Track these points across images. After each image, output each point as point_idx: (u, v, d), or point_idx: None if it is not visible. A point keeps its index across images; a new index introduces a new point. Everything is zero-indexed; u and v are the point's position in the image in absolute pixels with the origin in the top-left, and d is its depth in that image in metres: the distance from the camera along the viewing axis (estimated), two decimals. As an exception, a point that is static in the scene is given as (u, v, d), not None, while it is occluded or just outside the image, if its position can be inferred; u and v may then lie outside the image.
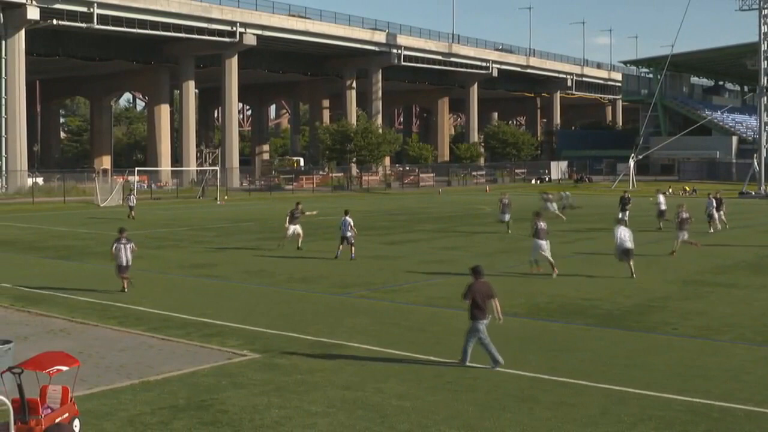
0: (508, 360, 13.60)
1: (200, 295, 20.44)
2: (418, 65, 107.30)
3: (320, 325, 16.47)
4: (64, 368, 9.71)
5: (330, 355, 14.00)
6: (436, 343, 14.92)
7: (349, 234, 27.06)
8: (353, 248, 27.12)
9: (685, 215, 27.97)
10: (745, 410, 11.09)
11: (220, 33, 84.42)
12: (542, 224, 23.68)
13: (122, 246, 20.78)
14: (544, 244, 23.35)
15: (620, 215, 34.07)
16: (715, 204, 36.14)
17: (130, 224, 42.11)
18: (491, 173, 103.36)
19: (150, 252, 29.73)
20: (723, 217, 36.66)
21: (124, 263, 20.66)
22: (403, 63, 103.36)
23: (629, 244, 22.81)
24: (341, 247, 27.20)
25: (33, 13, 70.32)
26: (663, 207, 37.20)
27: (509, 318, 17.21)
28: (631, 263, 22.91)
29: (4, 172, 71.28)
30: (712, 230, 35.27)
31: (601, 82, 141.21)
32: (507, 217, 36.11)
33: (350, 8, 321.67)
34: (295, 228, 29.64)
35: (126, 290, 20.49)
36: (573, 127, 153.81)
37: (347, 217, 27.34)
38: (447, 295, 20.11)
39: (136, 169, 74.49)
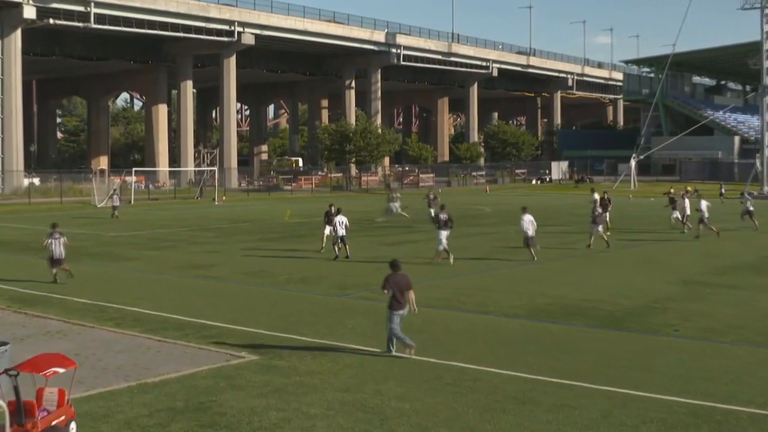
0: (509, 362, 13.60)
1: (198, 296, 20.42)
2: (418, 65, 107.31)
3: (319, 327, 16.46)
4: (61, 370, 9.68)
5: (329, 357, 13.99)
6: (435, 345, 14.90)
7: (342, 233, 27.04)
8: (347, 247, 27.26)
9: (599, 210, 30.38)
10: (748, 412, 11.07)
11: (219, 32, 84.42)
12: (443, 216, 26.41)
13: (54, 240, 22.11)
14: (444, 234, 25.97)
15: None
16: (748, 199, 37.24)
17: (114, 225, 42.13)
18: (491, 173, 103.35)
19: (147, 253, 29.72)
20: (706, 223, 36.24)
21: (56, 256, 22.03)
22: (402, 62, 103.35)
23: (531, 233, 26.39)
24: (337, 249, 27.22)
25: (29, 13, 70.28)
26: (688, 211, 36.39)
27: (510, 319, 17.23)
28: (533, 250, 26.44)
29: (0, 173, 71.25)
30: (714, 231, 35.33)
31: (602, 81, 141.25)
32: (434, 212, 38.00)
33: (349, 7, 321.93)
34: (332, 229, 29.63)
35: (58, 281, 21.64)
36: (574, 127, 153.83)
37: (340, 216, 27.40)
38: (446, 297, 20.10)
39: (134, 169, 74.54)
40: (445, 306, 18.88)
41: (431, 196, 38.09)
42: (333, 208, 28.98)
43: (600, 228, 30.31)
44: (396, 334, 14.11)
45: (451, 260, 25.54)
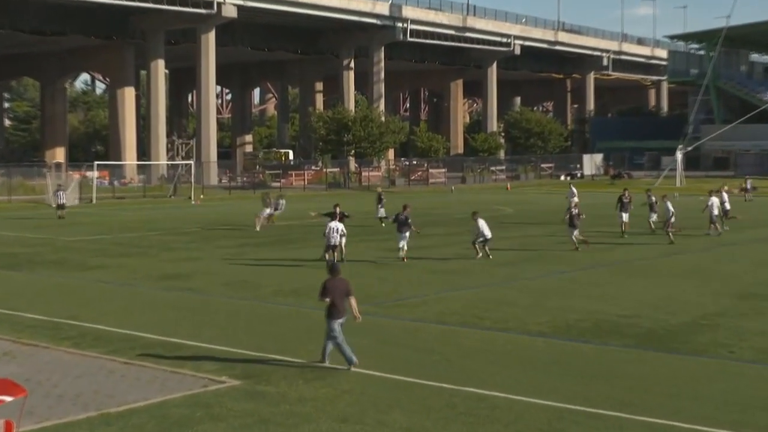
0: (533, 387, 13.60)
1: (172, 310, 20.43)
2: (427, 41, 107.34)
3: (313, 346, 16.45)
4: (8, 398, 9.65)
5: (324, 381, 14.00)
6: (447, 367, 14.90)
7: (333, 242, 27.30)
8: (343, 251, 27.90)
9: (575, 211, 32.16)
10: (811, 447, 11.06)
11: (195, 3, 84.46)
12: (402, 216, 29.46)
13: None
14: (402, 236, 28.92)
15: (622, 216, 36.31)
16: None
17: (73, 228, 42.12)
18: (513, 168, 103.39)
19: (112, 261, 29.74)
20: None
21: None
22: (409, 39, 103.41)
23: (488, 233, 28.98)
24: (327, 255, 27.39)
25: (-25, -20, 70.41)
26: (716, 210, 37.51)
27: (533, 338, 17.23)
28: (487, 248, 29.09)
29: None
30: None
31: (642, 60, 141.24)
32: (382, 211, 40.83)
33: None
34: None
35: None
36: (609, 114, 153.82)
37: (334, 223, 27.57)
38: (461, 311, 20.10)
39: (96, 163, 74.52)
40: (458, 322, 18.88)
41: (380, 192, 41.75)
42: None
43: (576, 232, 31.88)
44: (339, 344, 14.75)
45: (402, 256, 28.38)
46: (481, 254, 29.10)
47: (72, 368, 14.88)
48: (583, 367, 15.03)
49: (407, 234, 29.06)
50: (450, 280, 25.08)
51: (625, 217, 36.56)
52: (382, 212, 41.24)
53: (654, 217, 37.90)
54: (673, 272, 26.71)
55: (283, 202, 45.03)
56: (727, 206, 37.61)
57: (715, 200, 37.95)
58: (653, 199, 38.37)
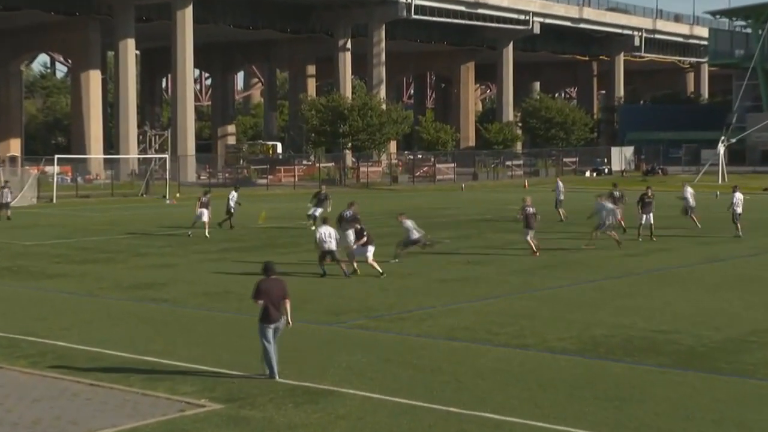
0: (555, 412, 13.56)
1: (144, 324, 20.41)
2: (434, 19, 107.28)
3: (304, 365, 16.43)
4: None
5: (317, 406, 13.97)
6: (457, 389, 14.89)
7: (329, 247, 27.13)
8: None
9: (530, 210, 32.34)
10: None
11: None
12: (348, 213, 30.37)
13: None
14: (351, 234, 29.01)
15: (643, 217, 36.57)
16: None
17: (30, 231, 42.09)
18: (531, 163, 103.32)
19: (75, 268, 29.71)
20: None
21: None
22: (414, 16, 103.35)
23: (416, 235, 29.54)
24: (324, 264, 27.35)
25: None
26: (739, 209, 38.12)
27: (556, 356, 17.20)
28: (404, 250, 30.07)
29: None
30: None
31: (680, 40, 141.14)
32: (318, 211, 40.33)
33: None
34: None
35: None
36: (641, 102, 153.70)
37: (326, 227, 27.51)
38: (471, 325, 20.08)
39: (57, 156, 74.39)
40: (470, 338, 18.87)
41: (322, 192, 42.49)
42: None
43: (531, 234, 32.31)
44: (266, 350, 15.40)
45: (347, 271, 27.23)
46: (397, 260, 29.57)
47: (29, 391, 14.85)
48: (612, 389, 15.01)
49: (350, 232, 28.95)
50: (460, 290, 25.06)
51: (645, 219, 36.52)
52: (316, 211, 40.79)
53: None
54: (716, 281, 26.69)
55: (235, 195, 43.78)
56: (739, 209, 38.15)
57: (739, 197, 38.06)
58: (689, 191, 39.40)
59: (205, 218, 38.95)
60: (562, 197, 45.91)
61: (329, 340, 18.82)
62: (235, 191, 44.47)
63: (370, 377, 15.65)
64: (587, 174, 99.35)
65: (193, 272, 28.58)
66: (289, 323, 15.82)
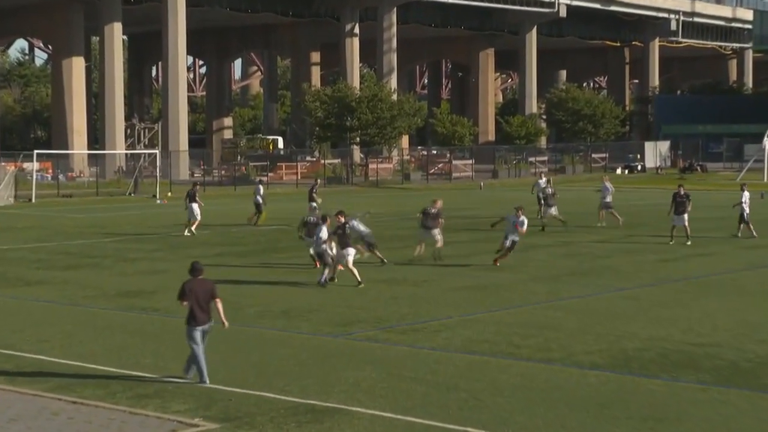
0: (584, 433, 13.53)
1: (131, 336, 20.41)
2: (451, 1, 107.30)
3: (308, 381, 16.43)
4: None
5: (322, 425, 13.95)
6: (476, 408, 14.87)
7: (324, 248, 27.14)
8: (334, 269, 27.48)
9: (433, 211, 32.88)
10: None
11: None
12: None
13: None
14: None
15: (675, 219, 36.59)
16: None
17: (7, 234, 42.09)
18: (556, 159, 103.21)
19: (57, 274, 29.74)
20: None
21: None
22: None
23: (364, 230, 29.44)
24: (324, 268, 27.33)
25: None
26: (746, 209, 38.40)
27: (584, 371, 17.17)
28: (376, 252, 30.16)
29: None
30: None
31: (721, 23, 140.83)
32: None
33: None
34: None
35: None
36: (679, 92, 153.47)
37: (324, 226, 27.49)
38: (491, 338, 20.07)
39: (36, 152, 74.49)
40: (490, 351, 18.86)
41: (315, 190, 43.80)
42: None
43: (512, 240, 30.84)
44: (196, 355, 16.14)
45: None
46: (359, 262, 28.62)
47: (5, 409, 14.84)
48: (646, 408, 14.98)
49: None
50: (479, 298, 25.05)
51: (678, 220, 36.51)
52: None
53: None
54: (762, 289, 26.65)
55: (261, 189, 46.02)
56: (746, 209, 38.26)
57: (748, 195, 38.17)
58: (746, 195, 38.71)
59: (197, 215, 40.19)
60: (609, 199, 43.87)
61: (335, 353, 18.81)
62: (261, 185, 47.18)
63: (380, 394, 15.63)
64: (618, 171, 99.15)
65: (184, 279, 28.55)
66: (224, 324, 16.60)
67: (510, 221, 30.70)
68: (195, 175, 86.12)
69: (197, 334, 16.25)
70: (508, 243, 30.33)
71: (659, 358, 18.24)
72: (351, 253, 27.12)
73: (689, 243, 35.82)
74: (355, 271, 26.69)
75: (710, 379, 16.84)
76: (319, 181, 49.83)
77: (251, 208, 45.53)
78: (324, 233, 26.96)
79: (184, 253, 34.63)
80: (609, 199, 43.43)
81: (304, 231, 29.64)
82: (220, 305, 16.51)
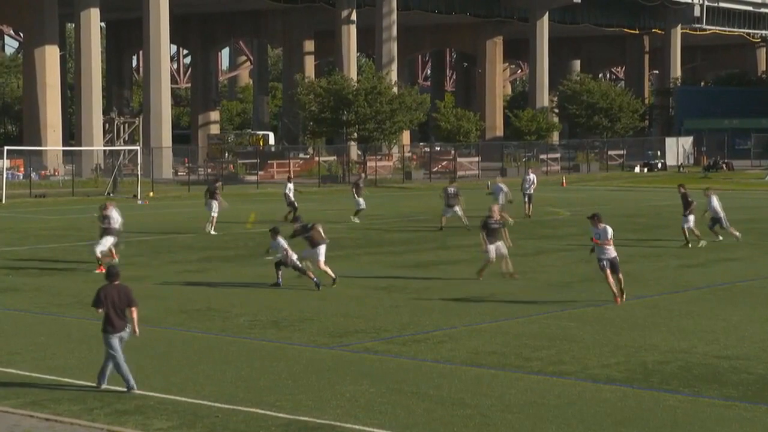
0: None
1: (109, 348, 20.42)
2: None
3: (301, 395, 16.43)
4: None
5: (315, 445, 13.96)
6: (483, 425, 14.88)
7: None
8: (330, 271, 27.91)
9: (451, 190, 35.09)
10: None
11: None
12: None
13: None
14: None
15: (688, 220, 36.67)
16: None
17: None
18: (570, 156, 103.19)
19: (29, 281, 29.73)
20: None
21: None
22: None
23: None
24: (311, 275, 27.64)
25: None
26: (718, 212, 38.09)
27: (600, 385, 17.18)
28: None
29: None
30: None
31: (749, 9, 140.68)
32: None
33: None
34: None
35: None
36: (702, 83, 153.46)
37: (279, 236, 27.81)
38: (499, 349, 20.08)
39: (6, 148, 74.33)
40: (498, 364, 18.88)
41: (450, 191, 44.14)
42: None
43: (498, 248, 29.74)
44: (117, 363, 16.63)
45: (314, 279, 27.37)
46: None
47: (-25, 425, 14.86)
48: (668, 426, 14.99)
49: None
50: (485, 306, 25.06)
51: (685, 221, 36.86)
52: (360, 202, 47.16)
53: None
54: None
55: (291, 186, 48.38)
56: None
57: (715, 199, 37.80)
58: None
59: (215, 212, 41.76)
60: (721, 214, 38.95)
61: (330, 366, 18.81)
62: (290, 182, 49.44)
63: (379, 410, 15.64)
64: (637, 170, 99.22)
65: (168, 286, 28.57)
66: (135, 332, 17.10)
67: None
68: (179, 173, 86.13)
69: (115, 341, 16.71)
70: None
71: (681, 372, 18.24)
72: (322, 251, 28.01)
73: (689, 247, 35.95)
74: (329, 270, 27.83)
75: (736, 394, 16.84)
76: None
77: (258, 209, 45.50)
78: (283, 242, 27.61)
79: (167, 258, 34.71)
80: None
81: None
82: (135, 314, 17.06)
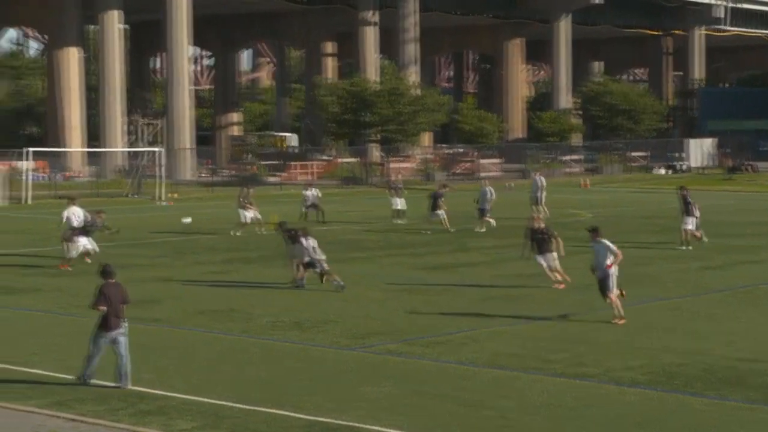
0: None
1: (132, 349, 20.39)
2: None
3: (322, 397, 16.45)
4: None
5: (337, 446, 13.99)
6: (503, 426, 14.88)
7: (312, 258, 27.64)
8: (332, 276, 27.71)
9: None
10: None
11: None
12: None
13: None
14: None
15: (687, 222, 36.60)
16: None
17: None
18: (592, 158, 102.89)
19: (50, 282, 29.79)
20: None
21: None
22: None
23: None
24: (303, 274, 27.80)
25: None
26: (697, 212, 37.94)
27: (621, 388, 17.15)
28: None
29: None
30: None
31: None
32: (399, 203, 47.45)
33: None
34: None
35: None
36: (725, 84, 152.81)
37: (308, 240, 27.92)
38: (518, 351, 20.09)
39: (28, 150, 74.47)
40: (518, 366, 18.87)
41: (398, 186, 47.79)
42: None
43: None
44: (91, 356, 17.01)
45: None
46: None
47: (-1, 426, 14.92)
48: (691, 429, 14.97)
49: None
50: (506, 309, 25.02)
51: (683, 221, 36.82)
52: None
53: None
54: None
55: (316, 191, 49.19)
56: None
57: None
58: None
59: (248, 218, 42.20)
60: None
61: (352, 367, 18.85)
62: (309, 189, 49.96)
63: (401, 412, 15.65)
64: (659, 171, 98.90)
65: (190, 287, 28.61)
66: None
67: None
68: (201, 175, 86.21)
69: (102, 342, 17.07)
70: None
71: (704, 374, 18.20)
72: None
73: (684, 248, 36.04)
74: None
75: (759, 397, 16.80)
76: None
77: (279, 210, 45.56)
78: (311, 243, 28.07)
79: (189, 260, 34.74)
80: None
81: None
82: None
